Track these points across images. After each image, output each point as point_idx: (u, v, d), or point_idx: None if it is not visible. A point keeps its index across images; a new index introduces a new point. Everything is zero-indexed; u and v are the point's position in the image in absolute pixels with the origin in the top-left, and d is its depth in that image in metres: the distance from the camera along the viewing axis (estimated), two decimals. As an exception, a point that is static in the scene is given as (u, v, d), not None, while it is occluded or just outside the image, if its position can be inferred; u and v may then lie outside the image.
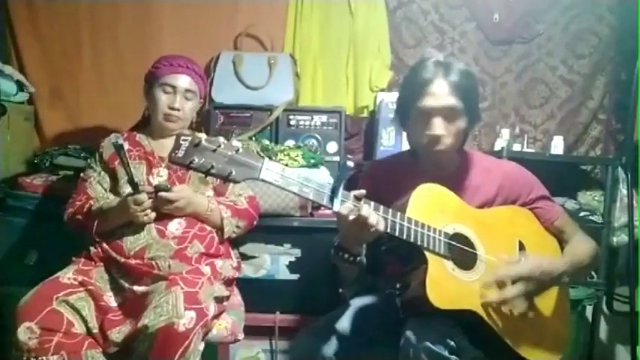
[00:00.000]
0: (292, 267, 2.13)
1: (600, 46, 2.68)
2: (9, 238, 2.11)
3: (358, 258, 1.39)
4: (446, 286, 1.33)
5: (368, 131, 2.64)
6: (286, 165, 2.07)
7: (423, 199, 1.38)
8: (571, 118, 2.71)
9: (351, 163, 1.26)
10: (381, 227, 1.28)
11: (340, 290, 2.12)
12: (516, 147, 2.53)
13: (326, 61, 2.64)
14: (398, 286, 1.58)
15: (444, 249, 1.36)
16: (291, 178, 1.20)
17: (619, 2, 2.66)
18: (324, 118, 2.45)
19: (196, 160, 1.14)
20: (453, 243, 1.38)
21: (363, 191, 1.29)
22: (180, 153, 1.15)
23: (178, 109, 1.81)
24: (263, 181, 1.18)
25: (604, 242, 2.39)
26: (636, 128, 2.44)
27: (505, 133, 2.53)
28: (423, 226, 1.33)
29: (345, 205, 1.25)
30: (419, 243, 1.32)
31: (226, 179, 1.15)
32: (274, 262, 2.13)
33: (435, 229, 1.35)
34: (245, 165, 1.16)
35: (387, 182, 1.54)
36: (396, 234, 1.30)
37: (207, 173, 1.15)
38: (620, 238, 2.43)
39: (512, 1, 2.66)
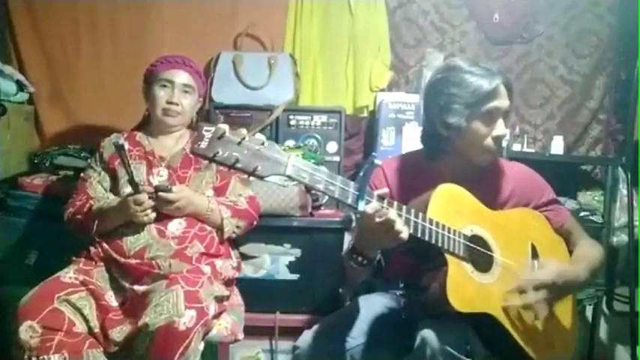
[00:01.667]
0: (292, 267, 2.13)
1: (600, 46, 2.68)
2: (9, 238, 2.11)
3: (373, 261, 1.36)
4: (466, 288, 1.32)
5: (368, 131, 2.64)
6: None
7: (443, 199, 1.36)
8: (571, 118, 2.71)
9: (379, 161, 1.18)
10: (405, 235, 1.22)
11: (340, 290, 2.12)
12: (516, 147, 2.53)
13: (326, 61, 2.64)
14: (401, 285, 1.58)
15: (463, 251, 1.33)
16: (318, 175, 1.14)
17: (619, 2, 2.66)
18: (324, 118, 2.45)
19: (220, 152, 1.06)
20: (472, 245, 1.36)
21: (386, 190, 1.25)
22: (204, 144, 1.06)
23: (177, 104, 1.83)
24: (289, 177, 1.11)
25: (604, 242, 2.39)
26: (636, 128, 2.44)
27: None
28: (443, 227, 1.31)
29: (370, 204, 1.19)
30: (440, 245, 1.29)
31: (252, 174, 1.08)
32: (274, 262, 2.13)
33: (454, 231, 1.33)
34: (271, 160, 1.09)
35: (401, 182, 1.53)
36: (418, 235, 1.26)
37: (232, 167, 1.07)
38: (620, 238, 2.43)
39: (513, 1, 2.66)
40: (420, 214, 1.28)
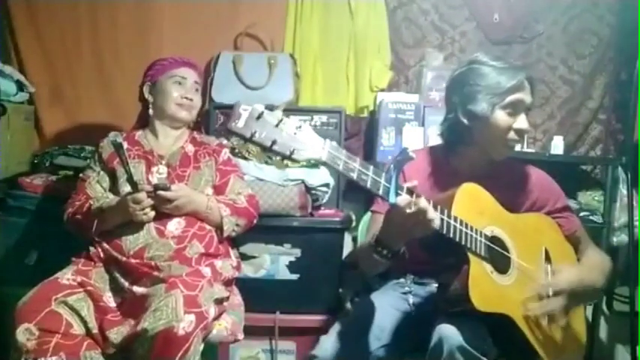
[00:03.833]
0: (292, 267, 2.13)
1: (600, 46, 2.68)
2: (9, 238, 2.12)
3: (398, 254, 1.34)
4: (486, 288, 1.32)
5: (368, 131, 2.64)
6: (286, 165, 2.08)
7: (466, 198, 1.36)
8: (571, 118, 2.71)
9: (413, 154, 1.17)
10: (437, 223, 1.22)
11: (340, 290, 2.12)
12: (516, 147, 2.52)
13: (326, 61, 2.64)
14: (408, 282, 1.58)
15: (484, 251, 1.33)
16: (352, 164, 1.12)
17: (619, 2, 2.66)
18: (324, 118, 2.45)
19: (258, 133, 1.04)
20: (492, 245, 1.36)
21: (415, 182, 1.23)
22: (241, 123, 1.04)
23: (192, 99, 1.88)
24: (324, 163, 1.10)
25: (604, 242, 2.39)
26: (636, 128, 2.44)
27: (505, 133, 2.53)
28: (467, 225, 1.31)
29: (402, 197, 1.18)
30: (463, 243, 1.29)
31: (288, 157, 1.06)
32: (274, 262, 2.13)
33: (477, 230, 1.33)
34: (307, 144, 1.07)
35: (418, 177, 1.51)
36: (443, 232, 1.25)
37: (268, 149, 1.05)
38: (620, 238, 2.43)
39: (513, 1, 2.66)
40: (446, 211, 1.27)
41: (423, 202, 1.19)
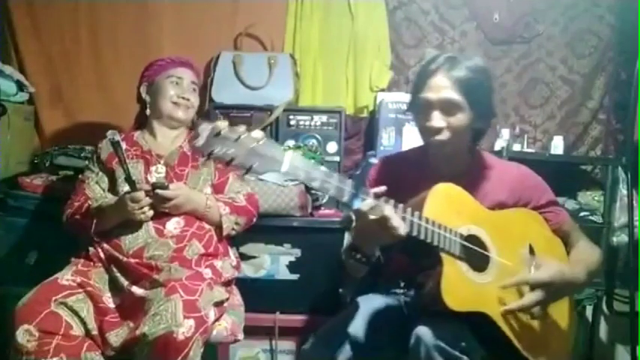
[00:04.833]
0: (292, 267, 2.13)
1: (600, 46, 2.69)
2: (9, 238, 2.12)
3: (372, 259, 1.36)
4: (460, 287, 1.32)
5: (368, 131, 2.64)
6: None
7: (440, 198, 1.36)
8: (571, 118, 2.71)
9: (374, 160, 1.19)
10: (402, 231, 1.23)
11: (340, 290, 2.12)
12: (516, 147, 2.53)
13: (326, 61, 2.64)
14: (402, 284, 1.58)
15: (458, 250, 1.34)
16: (314, 173, 1.15)
17: (619, 2, 2.66)
18: (324, 118, 2.45)
19: (218, 149, 1.08)
20: (467, 244, 1.36)
21: (383, 188, 1.24)
22: (201, 142, 1.08)
23: (188, 99, 1.88)
24: (285, 174, 1.13)
25: (604, 242, 2.39)
26: (636, 128, 2.44)
27: (505, 133, 2.53)
28: (439, 226, 1.31)
29: (365, 202, 1.21)
30: (435, 244, 1.29)
31: (248, 171, 1.10)
32: (274, 262, 2.13)
33: (450, 230, 1.33)
34: (267, 157, 1.10)
35: (397, 178, 1.52)
36: (414, 234, 1.27)
37: (228, 164, 1.09)
38: (620, 238, 2.43)
39: (512, 1, 2.66)
40: (416, 213, 1.28)
41: (387, 210, 1.21)
